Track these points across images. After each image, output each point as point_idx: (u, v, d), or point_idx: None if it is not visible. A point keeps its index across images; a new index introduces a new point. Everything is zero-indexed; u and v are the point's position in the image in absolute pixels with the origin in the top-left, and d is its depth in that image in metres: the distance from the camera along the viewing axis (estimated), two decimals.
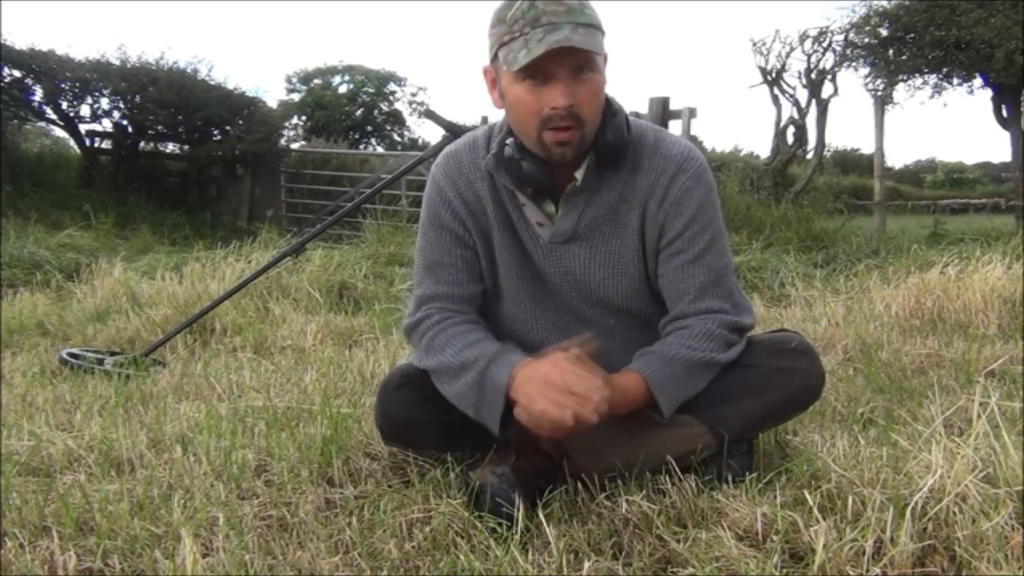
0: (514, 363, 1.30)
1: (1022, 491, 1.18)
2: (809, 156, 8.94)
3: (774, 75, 8.71)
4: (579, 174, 1.39)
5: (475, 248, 1.47)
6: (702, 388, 1.38)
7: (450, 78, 52.63)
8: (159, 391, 2.25)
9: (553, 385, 1.23)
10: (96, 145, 10.40)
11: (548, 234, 1.44)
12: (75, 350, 2.76)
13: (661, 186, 1.40)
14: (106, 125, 10.24)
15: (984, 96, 9.14)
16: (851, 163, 19.28)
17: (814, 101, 8.64)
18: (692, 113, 6.30)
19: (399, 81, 22.54)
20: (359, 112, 21.91)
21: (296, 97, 21.54)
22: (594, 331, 1.48)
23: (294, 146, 12.60)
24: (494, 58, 1.33)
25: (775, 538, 1.16)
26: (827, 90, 8.67)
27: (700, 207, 1.41)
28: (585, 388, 1.22)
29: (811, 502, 1.21)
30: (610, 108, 1.38)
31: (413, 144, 20.69)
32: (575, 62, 1.27)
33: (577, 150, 1.34)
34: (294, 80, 22.22)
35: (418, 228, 1.54)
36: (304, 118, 20.06)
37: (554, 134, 1.30)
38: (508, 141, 1.39)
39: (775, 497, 1.27)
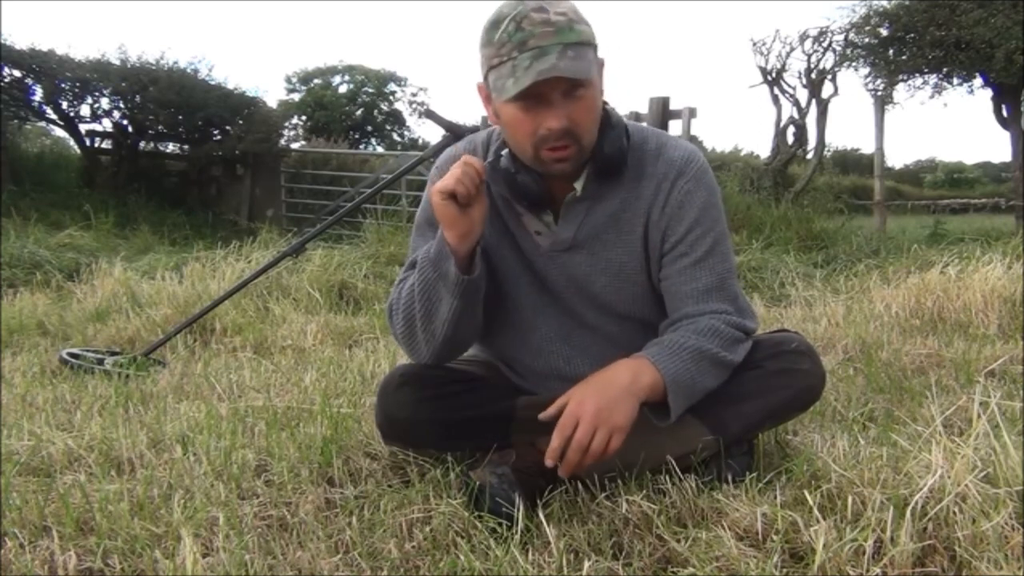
0: None
1: (1022, 491, 1.18)
2: (809, 156, 8.94)
3: (774, 75, 8.71)
4: (579, 184, 1.38)
5: None
6: (711, 386, 1.35)
7: (450, 78, 52.48)
8: (159, 391, 2.25)
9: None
10: (96, 145, 10.41)
11: (547, 243, 1.43)
12: (75, 350, 2.76)
13: (663, 191, 1.39)
14: (106, 125, 10.28)
15: (984, 96, 9.13)
16: (851, 163, 19.24)
17: (814, 101, 8.63)
18: (692, 113, 6.30)
19: (399, 81, 22.60)
20: (359, 112, 21.94)
21: (296, 97, 21.57)
22: (597, 337, 1.48)
23: (294, 146, 12.59)
24: (486, 77, 1.31)
25: (775, 538, 1.16)
26: (827, 90, 8.66)
27: (703, 210, 1.40)
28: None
29: (811, 502, 1.21)
30: (608, 120, 1.36)
31: (413, 144, 20.71)
32: (567, 83, 1.25)
33: (576, 164, 1.33)
34: (294, 80, 22.27)
35: (413, 227, 1.54)
36: (304, 118, 20.07)
37: (552, 152, 1.29)
38: (503, 152, 1.38)
39: (775, 497, 1.27)
